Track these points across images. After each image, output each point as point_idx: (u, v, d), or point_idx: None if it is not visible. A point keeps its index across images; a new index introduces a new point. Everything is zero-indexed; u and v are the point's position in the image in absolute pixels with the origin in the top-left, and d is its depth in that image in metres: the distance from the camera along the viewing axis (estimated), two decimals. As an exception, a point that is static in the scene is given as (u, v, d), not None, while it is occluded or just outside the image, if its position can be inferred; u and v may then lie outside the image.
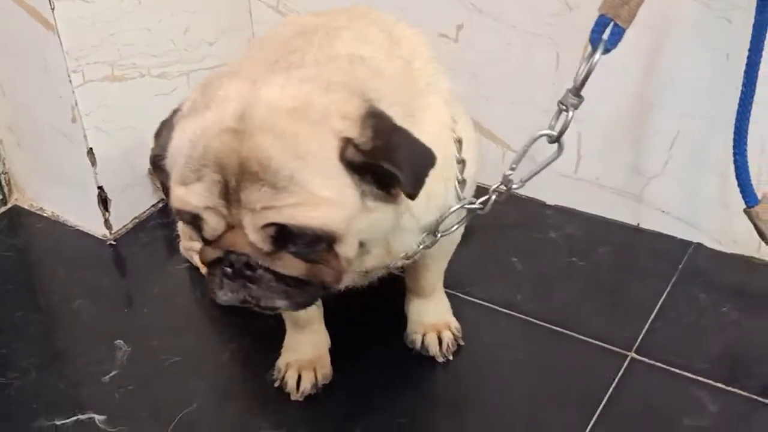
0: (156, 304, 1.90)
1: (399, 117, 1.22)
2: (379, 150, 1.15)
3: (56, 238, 2.14)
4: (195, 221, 1.19)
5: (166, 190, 1.24)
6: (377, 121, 1.17)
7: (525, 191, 2.06)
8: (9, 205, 2.25)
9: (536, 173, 1.48)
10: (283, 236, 1.16)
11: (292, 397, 1.62)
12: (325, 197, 1.13)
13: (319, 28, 1.39)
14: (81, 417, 1.61)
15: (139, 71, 2.03)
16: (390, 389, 1.64)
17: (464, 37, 2.01)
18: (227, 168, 1.13)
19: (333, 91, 1.17)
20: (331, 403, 1.62)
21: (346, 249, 1.21)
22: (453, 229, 1.45)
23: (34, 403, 1.65)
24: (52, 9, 1.79)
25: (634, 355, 1.67)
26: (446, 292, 1.77)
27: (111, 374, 1.70)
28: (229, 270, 1.21)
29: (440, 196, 1.39)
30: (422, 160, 1.20)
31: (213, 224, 1.17)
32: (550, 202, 2.11)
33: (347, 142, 1.14)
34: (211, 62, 2.19)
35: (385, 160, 1.15)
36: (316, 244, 1.18)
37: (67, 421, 1.60)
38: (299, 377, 1.63)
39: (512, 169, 1.45)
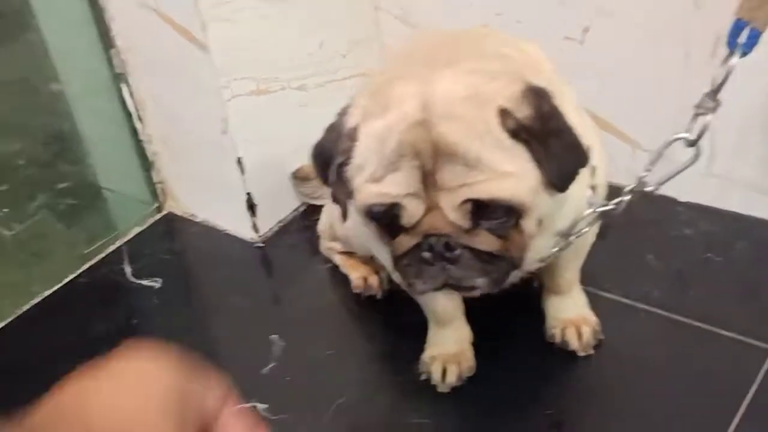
0: (304, 302, 2.03)
1: None
2: (534, 128, 1.25)
3: (208, 242, 2.30)
4: (391, 212, 1.28)
5: (343, 194, 1.35)
6: (537, 99, 1.27)
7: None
8: (164, 212, 2.43)
9: (672, 177, 1.49)
10: (479, 212, 1.25)
11: (439, 389, 1.71)
12: (509, 171, 1.23)
13: (459, 36, 1.49)
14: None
15: (280, 84, 2.17)
16: (533, 382, 1.71)
17: (590, 39, 2.05)
18: (423, 154, 1.23)
19: (496, 79, 1.28)
20: (477, 395, 1.69)
21: (530, 224, 1.30)
22: (584, 231, 1.50)
23: (203, 394, 1.80)
24: (205, 32, 1.94)
25: (773, 347, 1.68)
26: (583, 289, 1.82)
27: (269, 366, 1.83)
28: (428, 254, 1.28)
29: (575, 200, 1.44)
30: (575, 155, 1.30)
31: (413, 209, 1.26)
32: (681, 198, 2.12)
33: (504, 113, 1.24)
34: (344, 73, 2.31)
35: (537, 141, 1.24)
36: (507, 218, 1.27)
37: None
38: (444, 370, 1.72)
39: (647, 170, 1.48)
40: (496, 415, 1.64)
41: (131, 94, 2.25)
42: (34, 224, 2.16)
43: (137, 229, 2.37)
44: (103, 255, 2.28)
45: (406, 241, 1.31)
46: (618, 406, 1.64)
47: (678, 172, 1.49)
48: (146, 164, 2.37)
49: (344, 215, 1.42)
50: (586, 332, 1.76)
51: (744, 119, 1.94)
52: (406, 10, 2.32)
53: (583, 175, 1.43)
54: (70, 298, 2.15)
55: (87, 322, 2.05)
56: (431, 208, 1.26)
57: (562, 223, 1.46)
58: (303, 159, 2.24)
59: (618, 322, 1.81)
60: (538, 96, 1.27)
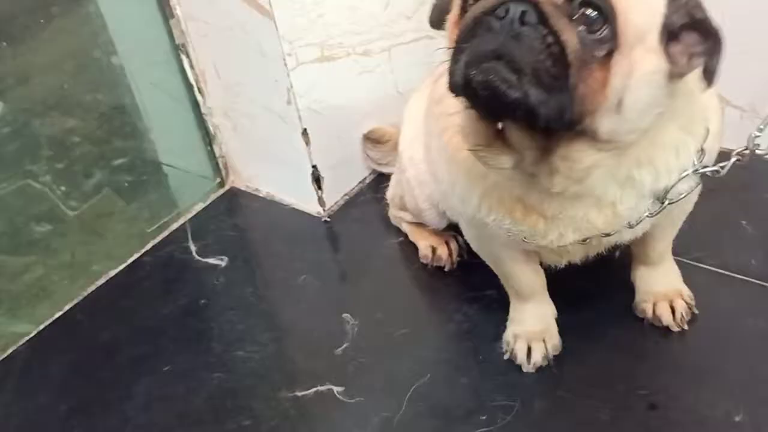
0: (375, 278, 1.95)
1: None
2: (690, 22, 1.14)
3: (273, 217, 2.23)
4: None
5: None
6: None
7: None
8: (227, 187, 2.36)
9: None
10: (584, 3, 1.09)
11: (524, 369, 1.61)
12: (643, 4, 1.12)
13: None
14: (320, 388, 1.67)
15: (345, 50, 2.06)
16: (625, 360, 1.60)
17: None
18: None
19: None
20: (564, 374, 1.60)
21: (623, 65, 1.11)
22: (681, 196, 1.36)
23: (276, 375, 1.73)
24: (269, -4, 1.85)
25: None
26: (675, 260, 1.70)
27: (343, 347, 1.75)
28: (496, 23, 1.09)
29: (680, 152, 1.31)
30: (720, 54, 1.17)
31: None
32: None
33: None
34: (410, 36, 2.19)
35: (695, 29, 1.15)
36: (602, 28, 1.09)
37: (308, 392, 1.67)
38: (529, 349, 1.62)
39: (760, 130, 1.38)
40: (587, 396, 1.54)
41: (192, 66, 2.18)
42: (96, 203, 2.10)
43: (200, 206, 2.31)
44: (166, 233, 2.23)
45: (478, 7, 1.12)
46: (716, 384, 1.53)
47: None
48: (207, 138, 2.31)
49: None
50: (680, 306, 1.64)
51: None
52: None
53: (698, 125, 1.32)
54: (136, 278, 2.10)
55: (154, 302, 2.00)
56: None
57: (659, 180, 1.31)
58: (372, 124, 2.16)
59: (713, 294, 1.70)
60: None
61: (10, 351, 1.95)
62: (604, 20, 1.09)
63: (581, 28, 1.09)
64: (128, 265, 2.14)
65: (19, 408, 1.77)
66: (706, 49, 1.16)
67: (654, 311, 1.65)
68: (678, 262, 1.72)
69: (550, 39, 1.08)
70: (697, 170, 1.34)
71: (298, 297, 1.93)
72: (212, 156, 2.33)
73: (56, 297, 2.05)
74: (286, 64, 1.94)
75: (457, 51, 1.14)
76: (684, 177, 1.33)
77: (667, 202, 1.35)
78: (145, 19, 2.10)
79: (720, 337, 1.62)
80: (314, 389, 1.67)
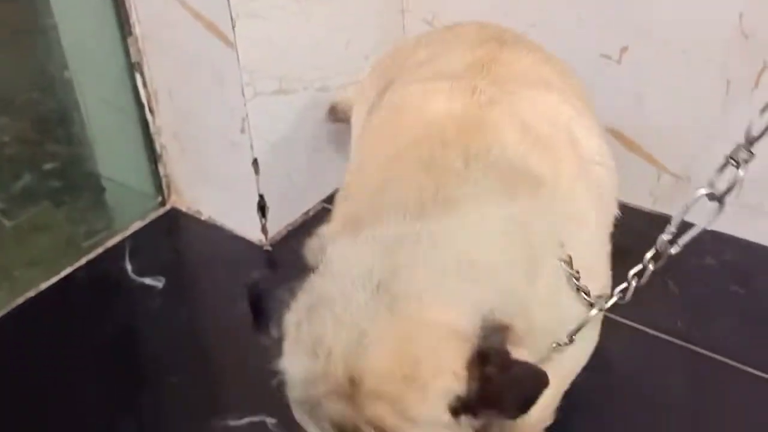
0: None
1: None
2: (484, 401, 1.04)
3: (214, 241, 2.22)
4: None
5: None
6: (484, 370, 1.04)
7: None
8: (168, 207, 2.35)
9: (694, 235, 1.27)
10: None
11: None
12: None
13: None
14: (253, 419, 1.67)
15: (303, 84, 2.09)
16: None
17: (628, 59, 2.00)
18: (344, 427, 1.06)
19: (444, 342, 1.05)
20: None
21: None
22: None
23: (208, 404, 1.73)
24: (233, 27, 1.86)
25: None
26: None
27: (278, 377, 1.75)
28: None
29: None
30: (534, 389, 1.06)
31: None
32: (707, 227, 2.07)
33: (457, 400, 1.04)
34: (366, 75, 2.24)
35: (489, 409, 1.05)
36: None
37: (240, 422, 1.67)
38: None
39: (672, 235, 1.27)
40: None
41: (144, 85, 2.17)
42: (33, 214, 2.07)
43: (139, 224, 2.29)
44: (102, 250, 2.20)
45: None
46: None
47: (699, 231, 1.27)
48: (153, 156, 2.29)
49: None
50: None
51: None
52: (435, 14, 2.26)
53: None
54: (68, 293, 2.06)
55: (84, 320, 1.97)
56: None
57: None
58: (323, 157, 2.19)
59: (637, 351, 1.77)
60: (486, 361, 1.05)
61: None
62: None
63: None
64: (61, 279, 2.10)
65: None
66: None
67: None
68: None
69: None
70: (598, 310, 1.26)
71: (235, 324, 1.93)
72: (156, 175, 2.31)
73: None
74: (243, 94, 1.95)
75: None
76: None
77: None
78: (102, 35, 2.09)
79: (642, 393, 1.69)
80: (247, 419, 1.67)
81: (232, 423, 1.67)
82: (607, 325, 1.73)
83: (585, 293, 1.24)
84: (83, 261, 2.16)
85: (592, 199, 1.32)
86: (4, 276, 2.05)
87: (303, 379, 1.08)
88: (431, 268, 1.09)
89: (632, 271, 1.29)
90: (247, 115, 1.98)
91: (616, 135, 2.09)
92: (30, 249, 2.09)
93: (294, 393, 1.11)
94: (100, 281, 2.09)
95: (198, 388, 1.76)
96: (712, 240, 2.03)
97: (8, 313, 2.00)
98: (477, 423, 1.06)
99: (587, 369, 1.54)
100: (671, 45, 1.92)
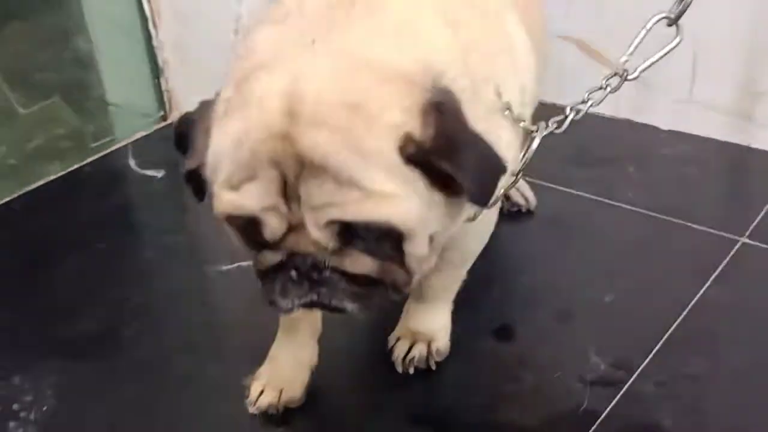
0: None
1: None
2: (439, 150, 1.04)
3: (210, 145, 2.40)
4: (251, 226, 1.08)
5: (201, 196, 1.16)
6: (440, 117, 1.04)
7: (640, 117, 2.27)
8: (169, 121, 2.53)
9: (654, 62, 1.40)
10: (349, 233, 1.07)
11: (249, 409, 1.49)
12: (388, 192, 1.04)
13: None
14: (242, 264, 1.82)
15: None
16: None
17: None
18: (284, 165, 1.03)
19: (390, 81, 1.04)
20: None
21: (416, 246, 1.11)
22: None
23: (202, 254, 1.90)
24: (231, -73, 2.07)
25: (746, 240, 1.81)
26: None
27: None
28: (293, 273, 1.10)
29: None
30: (490, 167, 1.10)
31: (273, 225, 1.07)
32: (663, 127, 2.25)
33: (407, 138, 1.03)
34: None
35: (445, 161, 1.05)
36: (384, 240, 1.09)
37: (230, 266, 1.83)
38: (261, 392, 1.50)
39: (627, 57, 1.37)
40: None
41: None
42: (46, 107, 2.24)
43: (142, 133, 2.46)
44: (107, 151, 2.38)
45: (270, 257, 1.12)
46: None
47: (660, 57, 1.41)
48: (156, 71, 2.47)
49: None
50: (417, 351, 1.54)
51: (725, 45, 2.09)
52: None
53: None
54: (76, 182, 2.24)
55: (93, 200, 2.14)
56: (295, 225, 1.07)
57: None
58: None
59: (591, 217, 1.93)
60: (441, 111, 1.05)
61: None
62: (382, 237, 1.09)
63: (369, 247, 1.09)
64: (69, 172, 2.28)
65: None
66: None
67: (394, 346, 1.56)
68: (564, 192, 1.96)
69: (349, 274, 1.10)
70: (536, 134, 1.28)
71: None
72: (158, 89, 2.50)
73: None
74: (237, -6, 2.15)
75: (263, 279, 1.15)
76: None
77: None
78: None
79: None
80: (236, 264, 1.82)
81: (224, 268, 1.83)
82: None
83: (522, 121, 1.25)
84: (90, 159, 2.34)
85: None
86: (19, 163, 2.22)
87: (233, 141, 1.05)
88: (370, 27, 1.09)
89: (606, 75, 1.35)
90: (239, 15, 2.17)
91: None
92: (42, 141, 2.26)
93: (221, 175, 1.07)
94: (105, 173, 2.28)
95: (193, 242, 1.94)
96: (669, 137, 2.22)
97: (19, 196, 2.18)
98: (428, 185, 1.06)
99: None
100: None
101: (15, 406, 1.54)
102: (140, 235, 2.04)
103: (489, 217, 1.40)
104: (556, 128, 1.32)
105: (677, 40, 1.41)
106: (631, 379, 1.48)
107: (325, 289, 1.11)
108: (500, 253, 1.83)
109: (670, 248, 1.82)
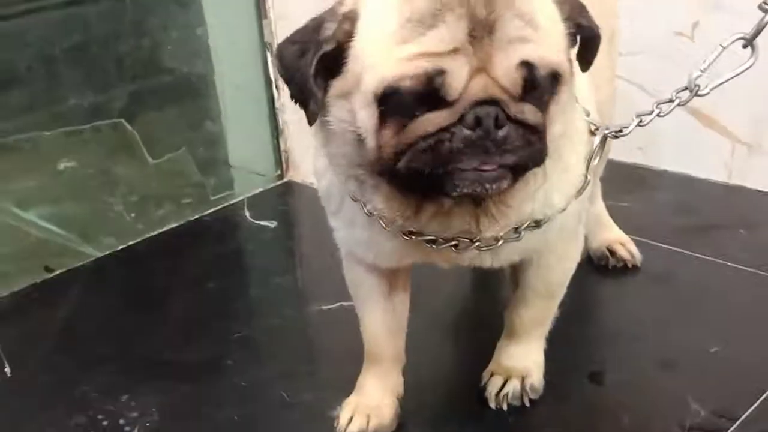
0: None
1: None
2: (581, 10, 1.17)
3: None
4: (428, 86, 1.03)
5: (316, 98, 1.12)
6: None
7: (751, 183, 2.23)
8: (285, 180, 2.65)
9: (728, 80, 1.41)
10: (530, 78, 1.06)
11: None
12: (557, 41, 1.11)
13: None
14: (344, 304, 1.87)
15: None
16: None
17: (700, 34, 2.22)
18: (476, 1, 1.03)
19: None
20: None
21: (565, 97, 1.14)
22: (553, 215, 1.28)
23: (304, 294, 1.96)
24: None
25: None
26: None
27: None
28: (470, 133, 1.03)
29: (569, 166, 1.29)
30: (596, 42, 1.20)
31: (458, 71, 1.02)
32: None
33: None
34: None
35: (585, 17, 1.16)
36: (550, 89, 1.10)
37: (332, 306, 1.88)
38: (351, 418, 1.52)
39: (700, 73, 1.39)
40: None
41: (273, 63, 2.53)
42: (173, 157, 2.41)
43: (259, 189, 2.59)
44: (225, 204, 2.51)
45: (435, 119, 1.04)
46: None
47: (734, 75, 1.41)
48: (276, 132, 2.62)
49: (312, 120, 1.17)
50: (512, 387, 1.53)
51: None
52: None
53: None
54: (197, 229, 2.37)
55: (208, 248, 2.27)
56: (480, 69, 1.03)
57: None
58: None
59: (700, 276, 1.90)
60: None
61: (74, 266, 2.20)
62: (551, 83, 1.10)
63: (536, 97, 1.08)
64: (190, 221, 2.42)
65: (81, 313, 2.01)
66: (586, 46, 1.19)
67: (487, 382, 1.56)
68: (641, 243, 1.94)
69: (526, 131, 1.07)
70: (605, 134, 1.34)
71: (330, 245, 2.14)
72: (277, 149, 2.64)
73: (123, 232, 2.32)
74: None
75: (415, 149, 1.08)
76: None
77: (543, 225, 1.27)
78: (241, 18, 2.47)
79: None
80: (338, 304, 1.87)
81: (325, 307, 1.89)
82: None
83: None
84: (210, 211, 2.47)
85: None
86: (147, 209, 2.38)
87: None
88: None
89: (657, 103, 1.39)
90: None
91: (692, 112, 2.27)
92: (169, 191, 2.41)
93: (386, 37, 1.05)
94: (223, 223, 2.40)
95: (296, 283, 2.02)
96: None
97: (143, 240, 2.33)
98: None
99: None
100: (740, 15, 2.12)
101: (121, 421, 1.62)
102: (249, 277, 2.14)
103: (571, 232, 1.41)
104: (618, 131, 1.37)
105: (751, 60, 1.41)
106: (733, 427, 1.42)
107: (502, 149, 1.05)
108: (603, 303, 1.81)
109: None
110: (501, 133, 1.04)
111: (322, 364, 1.75)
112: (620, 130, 1.38)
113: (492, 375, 1.56)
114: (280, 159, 2.65)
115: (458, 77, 1.02)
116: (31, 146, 2.15)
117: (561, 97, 1.12)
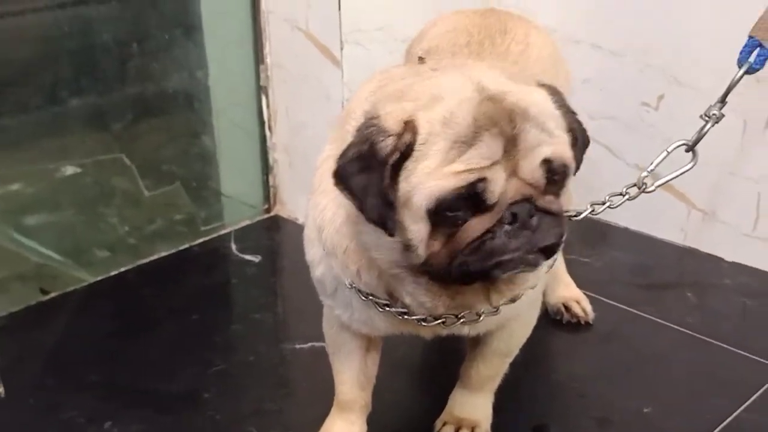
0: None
1: None
2: (572, 111, 1.34)
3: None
4: (471, 192, 1.21)
5: (390, 206, 1.23)
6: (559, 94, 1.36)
7: (704, 247, 2.38)
8: (271, 214, 2.81)
9: (670, 179, 1.62)
10: (550, 173, 1.26)
11: None
12: (564, 140, 1.29)
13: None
14: (315, 344, 2.02)
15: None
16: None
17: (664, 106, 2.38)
18: (501, 122, 1.22)
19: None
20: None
21: (567, 193, 1.33)
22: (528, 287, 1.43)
23: (279, 332, 2.10)
24: (341, 50, 2.37)
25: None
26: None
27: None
28: (510, 227, 1.23)
29: None
30: (586, 139, 1.38)
31: (498, 179, 1.22)
32: (727, 258, 2.35)
33: (548, 89, 1.33)
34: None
35: (575, 119, 1.34)
36: (562, 181, 1.29)
37: (304, 346, 2.03)
38: None
39: (647, 172, 1.59)
40: None
41: (268, 106, 2.68)
42: (168, 192, 2.56)
43: (246, 222, 2.75)
44: (214, 235, 2.66)
45: (479, 224, 1.24)
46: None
47: (675, 177, 1.63)
48: (266, 169, 2.78)
49: (392, 231, 1.26)
50: None
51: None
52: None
53: None
54: (184, 259, 2.52)
55: (194, 278, 2.41)
56: (512, 174, 1.23)
57: None
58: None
59: (646, 336, 2.05)
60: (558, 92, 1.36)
61: (68, 290, 2.35)
62: (563, 175, 1.29)
63: (554, 188, 1.28)
64: (180, 250, 2.57)
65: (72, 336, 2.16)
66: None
67: (440, 430, 1.71)
68: (621, 310, 2.09)
69: (551, 218, 1.27)
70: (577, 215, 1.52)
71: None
72: (266, 185, 2.80)
73: (118, 258, 2.47)
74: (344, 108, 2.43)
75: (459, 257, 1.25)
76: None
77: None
78: (240, 62, 2.64)
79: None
80: (309, 344, 2.03)
81: (298, 346, 2.04)
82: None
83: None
84: (199, 241, 2.63)
85: None
86: (141, 239, 2.53)
87: (441, 122, 1.22)
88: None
89: (626, 187, 1.57)
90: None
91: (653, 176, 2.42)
92: (161, 222, 2.57)
93: (433, 159, 1.21)
94: (210, 254, 2.55)
95: (274, 322, 2.17)
96: (730, 268, 2.32)
97: (134, 268, 2.48)
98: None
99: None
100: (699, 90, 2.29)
101: (104, 448, 1.77)
102: (231, 311, 2.28)
103: (536, 302, 1.60)
104: (574, 215, 1.52)
105: (691, 164, 1.63)
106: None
107: (538, 233, 1.24)
108: (553, 356, 1.96)
109: (716, 371, 1.91)
110: (534, 221, 1.25)
111: (291, 402, 1.90)
112: (577, 214, 1.53)
113: (444, 424, 1.72)
114: (268, 194, 2.81)
115: (498, 184, 1.23)
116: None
117: (568, 187, 1.33)
